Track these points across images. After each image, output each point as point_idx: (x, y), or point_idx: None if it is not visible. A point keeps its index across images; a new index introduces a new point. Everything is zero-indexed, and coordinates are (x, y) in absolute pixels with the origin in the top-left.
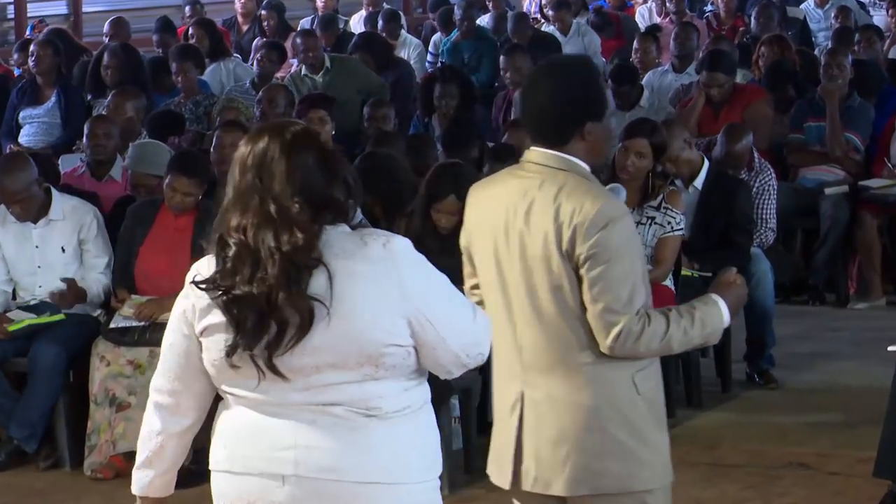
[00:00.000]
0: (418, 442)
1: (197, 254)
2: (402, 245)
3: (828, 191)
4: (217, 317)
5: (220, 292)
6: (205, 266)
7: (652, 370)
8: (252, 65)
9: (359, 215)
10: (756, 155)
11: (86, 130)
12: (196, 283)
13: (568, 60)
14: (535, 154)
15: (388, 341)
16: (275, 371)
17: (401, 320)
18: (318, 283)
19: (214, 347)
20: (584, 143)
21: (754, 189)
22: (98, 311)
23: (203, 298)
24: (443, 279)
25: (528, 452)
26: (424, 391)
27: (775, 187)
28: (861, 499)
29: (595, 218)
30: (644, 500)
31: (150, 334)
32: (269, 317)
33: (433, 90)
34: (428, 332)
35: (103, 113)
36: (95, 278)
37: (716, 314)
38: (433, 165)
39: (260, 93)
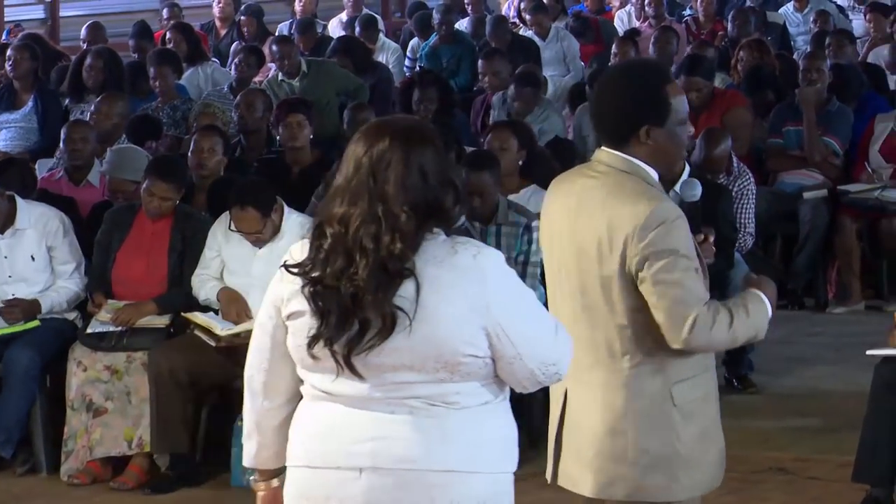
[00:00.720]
0: (495, 433)
1: (173, 257)
2: (492, 257)
3: (807, 195)
4: (304, 304)
5: (308, 281)
6: (298, 250)
7: (696, 382)
8: (230, 69)
9: (461, 218)
10: (735, 159)
11: (63, 135)
12: (287, 267)
13: (637, 63)
14: (603, 154)
15: (466, 351)
16: (352, 369)
17: (480, 332)
18: (405, 290)
19: (299, 333)
20: (644, 147)
21: (733, 193)
22: (74, 315)
23: (293, 283)
24: (528, 295)
25: (566, 448)
26: (503, 386)
27: (754, 192)
28: (840, 503)
29: (648, 219)
30: None
31: (127, 339)
32: (353, 315)
33: (412, 95)
34: (506, 347)
35: (81, 118)
36: (62, 286)
37: (762, 307)
38: None
39: (238, 97)
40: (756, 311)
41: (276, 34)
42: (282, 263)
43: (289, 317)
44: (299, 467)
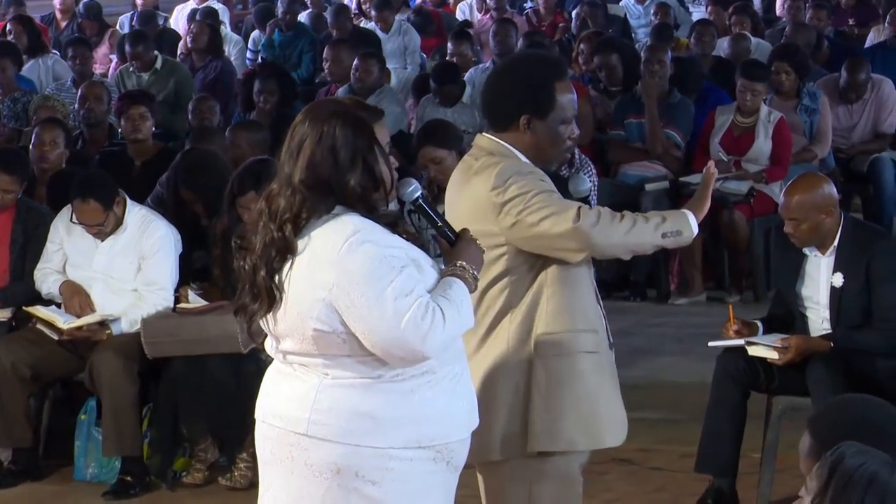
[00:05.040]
0: (364, 408)
1: (15, 251)
2: (361, 245)
3: (648, 187)
4: None
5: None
6: None
7: (562, 339)
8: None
9: (418, 188)
10: (577, 150)
11: None
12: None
13: (534, 55)
14: (481, 139)
15: (313, 325)
16: (250, 334)
17: (329, 309)
18: (286, 267)
19: None
20: (524, 137)
21: None
22: None
23: None
24: (380, 283)
25: None
26: (388, 365)
27: (596, 183)
28: (683, 494)
29: (496, 179)
30: (530, 488)
31: None
32: (253, 286)
33: (253, 86)
34: (355, 326)
35: None
36: None
37: (681, 216)
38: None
39: (82, 89)
40: (670, 217)
41: (118, 27)
42: None
43: None
44: None
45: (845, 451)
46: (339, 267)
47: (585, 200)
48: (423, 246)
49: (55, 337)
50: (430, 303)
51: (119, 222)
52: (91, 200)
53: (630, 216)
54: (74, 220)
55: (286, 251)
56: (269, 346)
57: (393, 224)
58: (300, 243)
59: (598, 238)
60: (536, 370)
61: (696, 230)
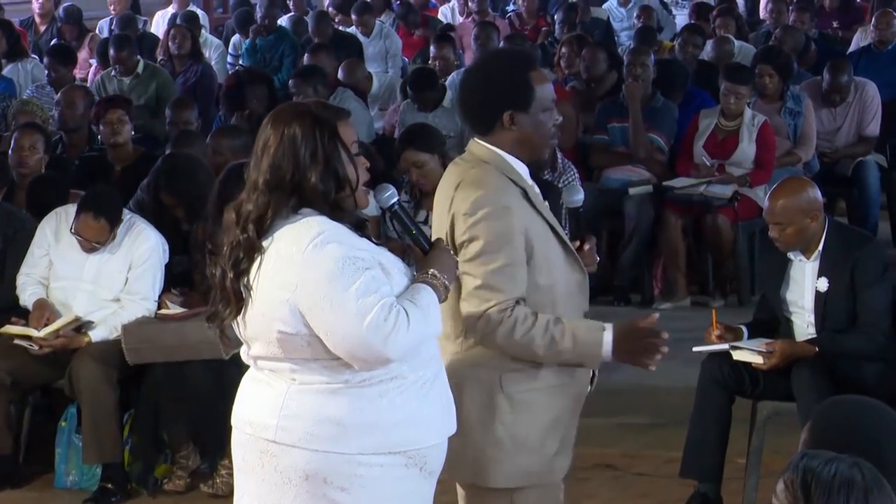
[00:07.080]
0: (332, 414)
1: None
2: (326, 245)
3: (632, 191)
4: None
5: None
6: None
7: (532, 374)
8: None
9: (395, 194)
10: (559, 154)
11: None
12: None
13: (502, 51)
14: (473, 145)
15: (277, 328)
16: (222, 339)
17: (294, 312)
18: (252, 271)
19: None
20: (510, 134)
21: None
22: None
23: None
24: (345, 280)
25: None
26: (355, 370)
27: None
28: (668, 500)
29: (472, 206)
30: (511, 498)
31: None
32: (222, 291)
33: (237, 93)
34: (318, 327)
35: None
36: None
37: (594, 339)
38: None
39: (60, 94)
40: (582, 338)
41: (97, 31)
42: None
43: None
44: None
45: (812, 465)
46: (302, 267)
47: (578, 211)
48: (405, 251)
49: (35, 349)
50: (394, 304)
51: (114, 237)
52: (102, 219)
53: (548, 335)
54: (73, 230)
55: (251, 251)
56: (243, 352)
57: (359, 226)
58: (265, 243)
59: (488, 342)
60: (500, 403)
61: (607, 357)
